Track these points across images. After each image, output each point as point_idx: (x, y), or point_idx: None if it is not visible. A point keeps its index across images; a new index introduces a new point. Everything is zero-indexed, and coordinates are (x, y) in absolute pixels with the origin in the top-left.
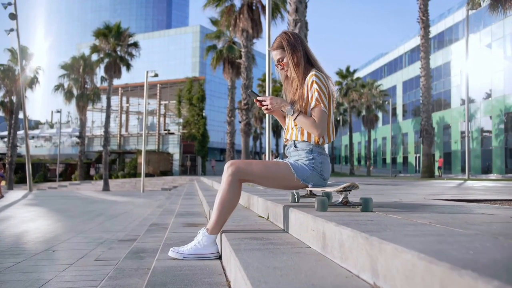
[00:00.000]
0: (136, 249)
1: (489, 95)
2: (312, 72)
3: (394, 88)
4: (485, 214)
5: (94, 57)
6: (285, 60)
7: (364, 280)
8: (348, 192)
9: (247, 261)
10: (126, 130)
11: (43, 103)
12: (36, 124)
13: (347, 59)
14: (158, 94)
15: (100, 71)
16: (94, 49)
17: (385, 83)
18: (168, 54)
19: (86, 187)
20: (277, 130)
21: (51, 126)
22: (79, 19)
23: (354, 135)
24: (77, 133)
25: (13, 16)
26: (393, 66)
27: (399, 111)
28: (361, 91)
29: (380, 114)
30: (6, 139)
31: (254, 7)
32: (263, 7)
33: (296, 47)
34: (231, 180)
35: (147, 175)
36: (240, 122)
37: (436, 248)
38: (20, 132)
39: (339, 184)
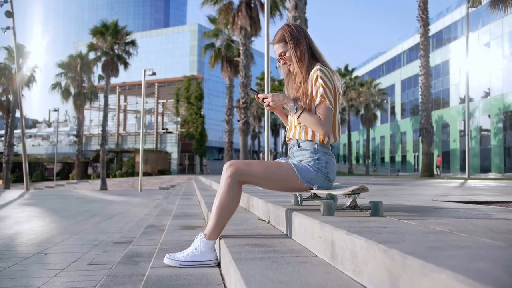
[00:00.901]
0: (131, 253)
1: (487, 94)
2: (317, 67)
3: (392, 86)
4: (507, 220)
5: (92, 55)
6: (287, 54)
7: None
8: (357, 195)
9: (248, 273)
10: (124, 129)
11: (40, 102)
12: (34, 123)
13: (345, 58)
14: (156, 92)
15: (98, 70)
16: (91, 47)
17: (384, 81)
18: (165, 53)
19: (84, 186)
20: (275, 129)
21: (49, 125)
22: (76, 17)
23: (353, 134)
24: (75, 132)
25: (9, 14)
26: (392, 64)
27: (398, 110)
28: (360, 90)
29: (378, 113)
30: (3, 138)
31: (252, 5)
32: (262, 5)
33: (299, 40)
34: (230, 182)
35: (145, 174)
36: (238, 120)
37: (472, 267)
38: (17, 131)
39: (346, 187)
